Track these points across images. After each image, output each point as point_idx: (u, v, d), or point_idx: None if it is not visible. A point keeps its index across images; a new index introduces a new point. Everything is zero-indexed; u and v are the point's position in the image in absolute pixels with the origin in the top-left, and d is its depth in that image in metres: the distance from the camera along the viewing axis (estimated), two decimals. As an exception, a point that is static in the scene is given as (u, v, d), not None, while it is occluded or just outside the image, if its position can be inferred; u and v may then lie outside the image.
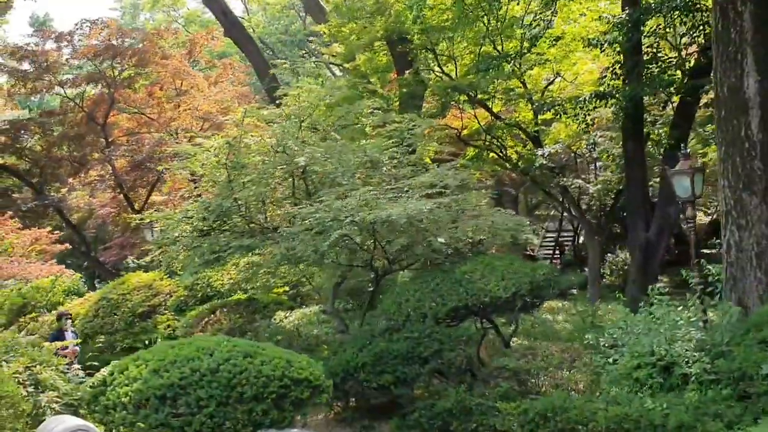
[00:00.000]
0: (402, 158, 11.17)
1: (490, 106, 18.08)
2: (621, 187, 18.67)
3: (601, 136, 19.05)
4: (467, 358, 7.60)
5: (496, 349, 8.65)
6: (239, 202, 9.93)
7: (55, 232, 21.59)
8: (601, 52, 14.30)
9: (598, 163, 21.79)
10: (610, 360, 6.96)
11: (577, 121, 15.35)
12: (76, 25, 19.83)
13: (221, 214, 10.01)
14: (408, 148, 11.30)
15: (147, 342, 12.59)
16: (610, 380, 6.76)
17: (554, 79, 19.16)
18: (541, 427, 6.15)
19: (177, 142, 19.05)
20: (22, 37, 19.74)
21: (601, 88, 14.68)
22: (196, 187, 13.69)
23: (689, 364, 6.22)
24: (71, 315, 10.78)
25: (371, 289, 10.62)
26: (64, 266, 21.89)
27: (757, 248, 9.48)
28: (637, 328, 7.12)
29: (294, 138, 9.72)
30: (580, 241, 23.58)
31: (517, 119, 18.86)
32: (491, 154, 19.79)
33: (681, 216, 15.25)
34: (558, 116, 14.75)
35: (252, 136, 10.23)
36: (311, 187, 10.72)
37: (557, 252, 24.30)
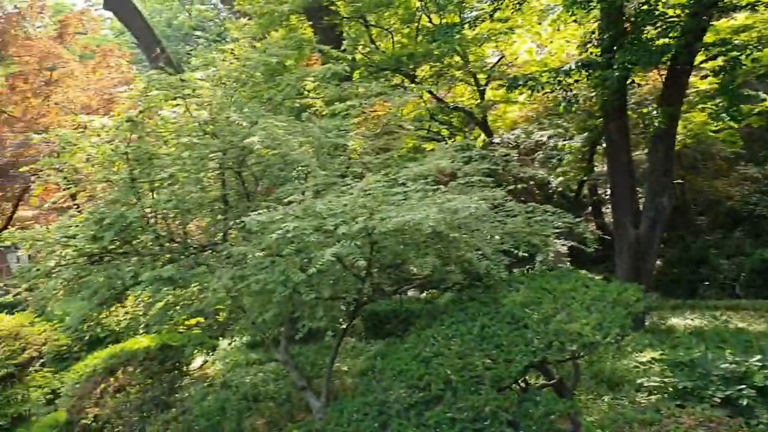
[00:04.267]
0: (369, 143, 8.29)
1: (431, 90, 15.43)
2: (585, 178, 16.59)
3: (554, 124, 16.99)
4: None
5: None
6: (153, 211, 6.62)
7: None
8: (587, 12, 11.91)
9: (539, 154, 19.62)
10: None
11: (557, 99, 13.05)
12: None
13: (123, 231, 6.60)
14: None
15: (15, 416, 8.90)
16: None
17: (501, 58, 16.87)
18: None
19: (47, 142, 15.07)
20: None
21: (582, 56, 12.36)
22: (73, 196, 10.09)
23: None
24: None
25: (344, 326, 7.54)
26: None
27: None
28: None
29: (236, 110, 6.48)
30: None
31: (461, 102, 16.40)
32: (431, 145, 17.18)
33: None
34: (534, 91, 12.13)
35: (167, 107, 6.86)
36: (249, 185, 7.55)
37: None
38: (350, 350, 10.51)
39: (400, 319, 9.73)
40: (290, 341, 7.88)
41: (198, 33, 36.05)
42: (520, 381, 5.31)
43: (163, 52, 14.49)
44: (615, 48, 11.39)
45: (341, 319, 7.63)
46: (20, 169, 14.47)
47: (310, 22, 14.35)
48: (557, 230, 6.78)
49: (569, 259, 15.14)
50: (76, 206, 15.17)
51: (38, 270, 6.99)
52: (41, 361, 10.13)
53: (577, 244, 7.37)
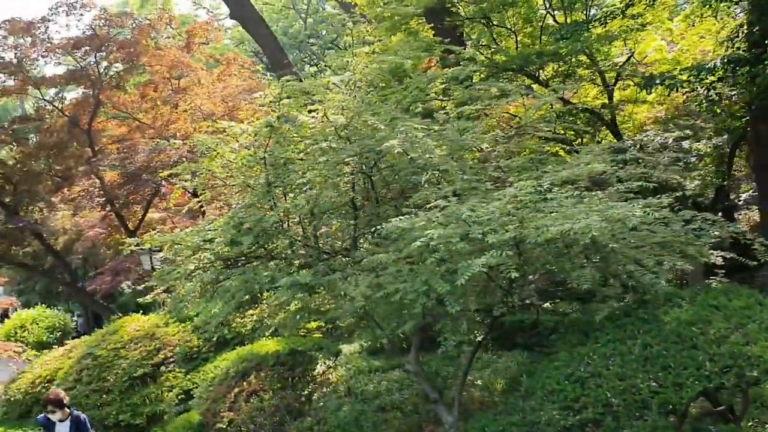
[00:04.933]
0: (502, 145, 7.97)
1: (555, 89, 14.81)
2: (724, 183, 15.42)
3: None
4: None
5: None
6: (288, 216, 6.58)
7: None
8: (733, 4, 11.03)
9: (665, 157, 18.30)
10: None
11: (694, 98, 12.19)
12: (51, 9, 16.41)
13: (260, 236, 6.59)
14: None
15: (150, 415, 9.16)
16: None
17: (630, 56, 15.98)
18: None
19: (177, 148, 15.67)
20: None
21: (728, 52, 11.43)
22: (199, 202, 10.34)
23: None
24: (61, 402, 7.00)
25: (479, 338, 7.21)
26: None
27: None
28: None
29: (372, 113, 6.32)
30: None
31: (586, 103, 15.65)
32: (556, 148, 16.49)
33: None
34: (672, 90, 11.31)
35: (304, 112, 6.79)
36: (380, 189, 7.38)
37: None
38: (474, 361, 10.17)
39: (533, 332, 9.27)
40: (419, 351, 7.66)
41: (312, 41, 36.93)
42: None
43: (286, 59, 14.74)
44: (767, 42, 10.47)
45: (476, 331, 7.31)
46: (154, 174, 15.17)
47: (431, 24, 14.15)
48: (714, 239, 6.19)
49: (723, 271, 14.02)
50: (202, 212, 15.68)
51: (178, 273, 7.12)
52: (172, 360, 10.42)
53: (736, 255, 6.70)
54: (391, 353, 9.81)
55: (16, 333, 20.24)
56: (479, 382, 8.54)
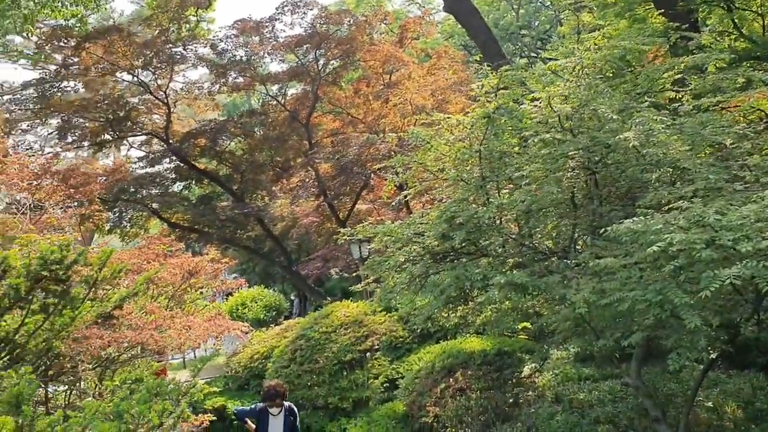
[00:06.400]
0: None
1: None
2: None
3: None
4: None
5: None
6: (501, 212, 6.30)
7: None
8: None
9: None
10: None
11: None
12: (277, 9, 17.57)
13: (472, 231, 6.37)
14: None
15: (356, 401, 9.36)
16: None
17: None
18: None
19: (388, 142, 16.00)
20: (223, 30, 18.74)
21: None
22: (406, 196, 10.36)
23: None
24: (284, 393, 7.25)
25: (713, 356, 6.40)
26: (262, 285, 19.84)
27: None
28: None
29: (602, 103, 5.82)
30: None
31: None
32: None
33: None
34: None
35: (526, 101, 6.45)
36: (604, 187, 6.83)
37: None
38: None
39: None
40: (641, 364, 7.02)
41: (524, 32, 36.17)
42: None
43: (500, 50, 14.41)
44: None
45: (709, 347, 6.51)
46: (364, 167, 15.63)
47: (660, 10, 13.02)
48: None
49: None
50: (407, 205, 15.88)
51: (388, 264, 7.14)
52: (377, 348, 10.61)
53: None
54: (602, 362, 9.18)
55: (238, 309, 22.07)
56: (709, 403, 7.68)
